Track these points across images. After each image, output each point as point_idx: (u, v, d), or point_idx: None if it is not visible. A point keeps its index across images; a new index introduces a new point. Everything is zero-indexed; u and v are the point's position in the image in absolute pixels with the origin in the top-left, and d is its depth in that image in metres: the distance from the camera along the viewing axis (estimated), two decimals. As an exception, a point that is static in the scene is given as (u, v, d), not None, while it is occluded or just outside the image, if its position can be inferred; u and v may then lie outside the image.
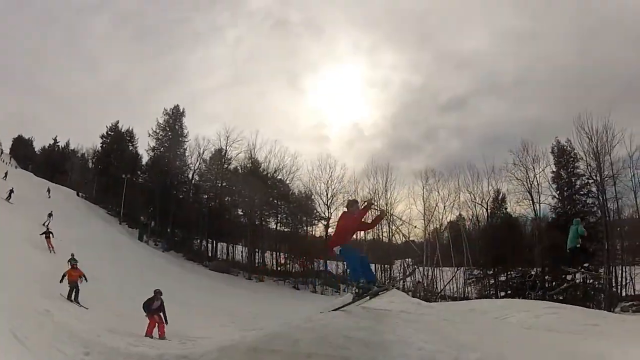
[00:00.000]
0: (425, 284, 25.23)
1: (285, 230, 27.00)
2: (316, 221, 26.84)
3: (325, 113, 40.51)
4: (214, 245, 27.14)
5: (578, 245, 12.82)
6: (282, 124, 38.89)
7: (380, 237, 26.39)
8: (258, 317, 16.92)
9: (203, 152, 28.00)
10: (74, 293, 12.22)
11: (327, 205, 26.61)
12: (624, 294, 25.77)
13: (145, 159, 29.45)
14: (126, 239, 27.58)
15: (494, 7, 33.96)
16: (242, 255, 26.83)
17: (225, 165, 27.68)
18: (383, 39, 37.52)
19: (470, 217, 27.82)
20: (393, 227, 24.58)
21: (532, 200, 26.72)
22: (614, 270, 25.61)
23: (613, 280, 25.62)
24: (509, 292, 25.18)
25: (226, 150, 27.65)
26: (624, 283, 25.67)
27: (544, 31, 31.64)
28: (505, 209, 27.66)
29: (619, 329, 11.12)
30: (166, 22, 33.95)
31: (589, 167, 26.11)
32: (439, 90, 37.13)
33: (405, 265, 23.23)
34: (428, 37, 35.67)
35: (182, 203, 27.78)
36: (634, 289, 25.66)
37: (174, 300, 13.11)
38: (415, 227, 20.25)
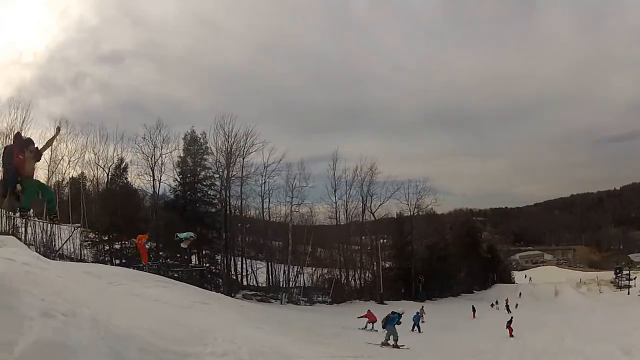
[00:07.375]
0: (44, 240, 24.23)
1: None
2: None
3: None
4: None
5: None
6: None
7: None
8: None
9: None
10: None
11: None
12: (245, 282, 28.47)
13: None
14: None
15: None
16: None
17: None
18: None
19: (92, 179, 27.24)
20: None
21: (154, 177, 26.91)
22: (232, 259, 28.08)
23: (232, 268, 28.02)
24: (124, 260, 24.64)
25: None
26: (244, 273, 28.52)
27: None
28: (126, 178, 27.53)
29: (230, 310, 12.91)
30: None
31: (217, 163, 27.91)
32: (106, 39, 39.39)
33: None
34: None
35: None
36: (256, 281, 28.67)
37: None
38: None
